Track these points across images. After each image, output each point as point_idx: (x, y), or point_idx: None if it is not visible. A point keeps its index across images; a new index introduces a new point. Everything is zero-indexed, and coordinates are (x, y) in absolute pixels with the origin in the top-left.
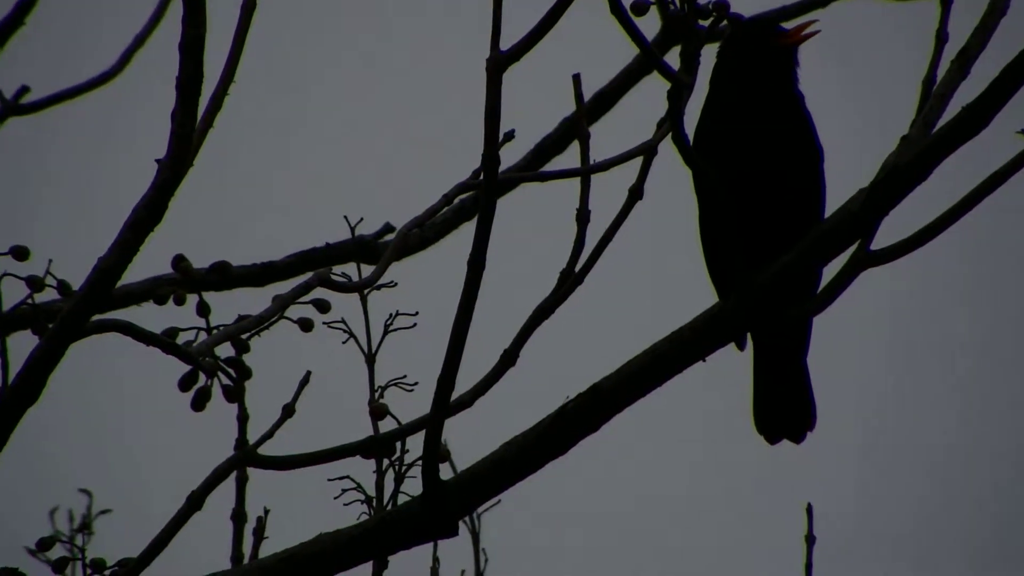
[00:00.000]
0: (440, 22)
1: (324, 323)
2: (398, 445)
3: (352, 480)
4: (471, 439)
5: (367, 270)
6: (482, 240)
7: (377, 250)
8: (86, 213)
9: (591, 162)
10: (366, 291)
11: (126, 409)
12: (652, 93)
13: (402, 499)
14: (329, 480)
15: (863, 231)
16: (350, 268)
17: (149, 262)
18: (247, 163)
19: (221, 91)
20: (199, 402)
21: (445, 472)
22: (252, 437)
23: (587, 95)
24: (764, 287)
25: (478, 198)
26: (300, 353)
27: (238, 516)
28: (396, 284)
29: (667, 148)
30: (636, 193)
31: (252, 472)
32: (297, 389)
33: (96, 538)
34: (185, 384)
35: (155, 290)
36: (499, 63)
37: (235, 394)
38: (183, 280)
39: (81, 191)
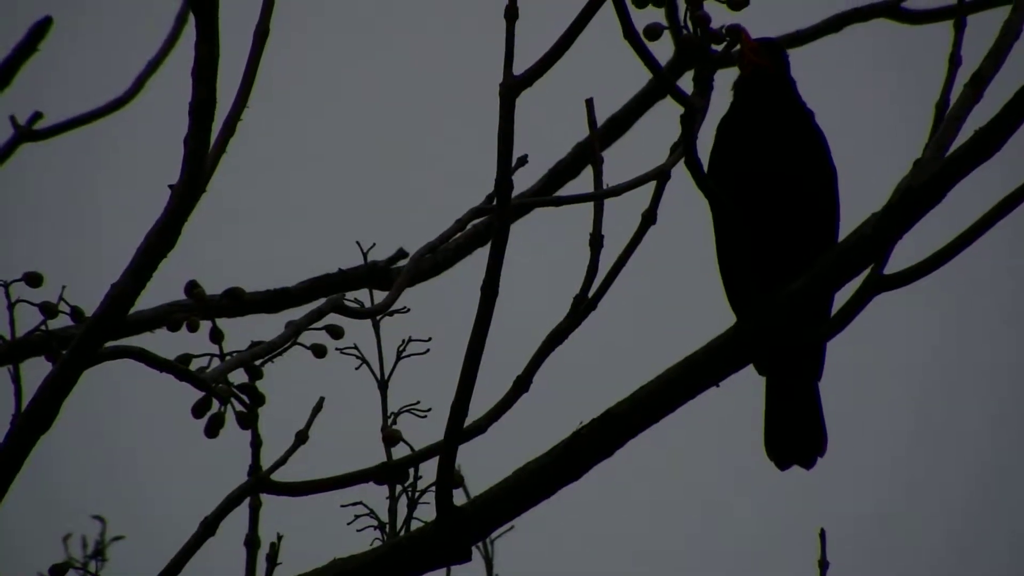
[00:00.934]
0: (453, 47)
1: (337, 349)
2: (411, 471)
3: (365, 506)
4: (484, 465)
5: (380, 296)
6: (495, 265)
7: (390, 276)
8: (99, 239)
9: (604, 187)
10: (379, 317)
11: (139, 435)
12: (665, 117)
13: (415, 525)
14: (342, 506)
15: (876, 255)
16: (363, 294)
17: (162, 288)
18: (260, 188)
19: (234, 116)
20: (213, 428)
21: (458, 498)
22: (265, 463)
23: (600, 119)
24: (777, 311)
25: (491, 223)
26: (313, 379)
27: (251, 542)
28: (409, 310)
29: (680, 172)
30: (649, 218)
31: (265, 498)
32: (310, 415)
33: (110, 564)
34: (199, 410)
35: (168, 316)
36: (512, 88)
37: (248, 420)
38: (196, 306)
39: (94, 217)
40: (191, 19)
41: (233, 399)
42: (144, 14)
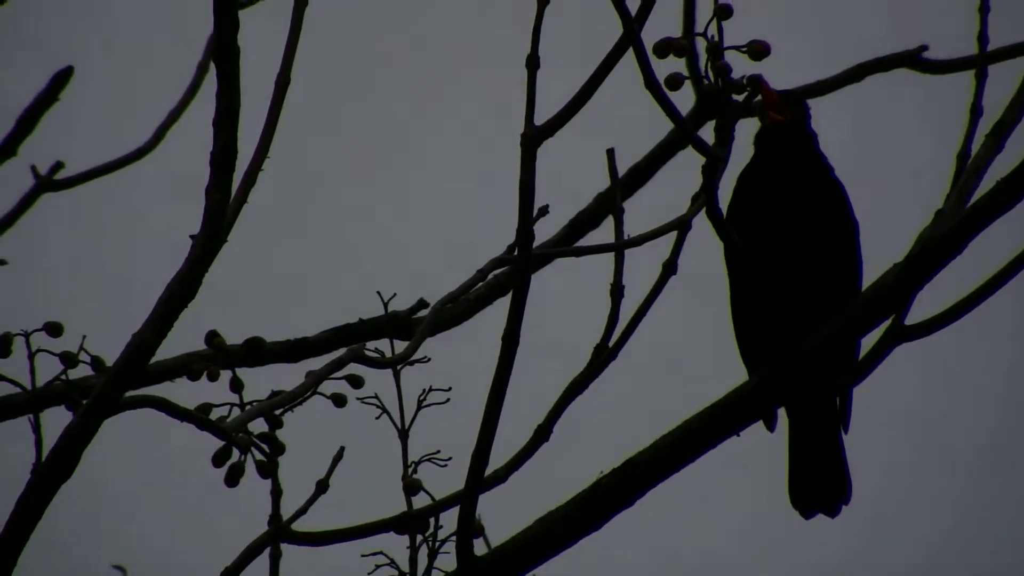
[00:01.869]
0: (474, 97)
1: (357, 398)
2: (432, 520)
3: (386, 556)
4: (505, 514)
5: (400, 346)
6: (516, 315)
7: (411, 326)
8: (120, 288)
9: (625, 237)
10: (399, 366)
11: (160, 484)
12: (686, 167)
13: (436, 575)
14: (363, 556)
15: (897, 305)
16: (383, 344)
17: (183, 337)
18: (281, 238)
19: (255, 166)
20: (233, 478)
21: (479, 547)
22: (286, 512)
23: (622, 169)
24: (799, 361)
25: (512, 273)
26: (334, 428)
27: None
28: (429, 359)
29: (701, 222)
30: (670, 268)
31: (286, 548)
32: (331, 464)
33: None
34: (219, 460)
35: (189, 366)
36: (533, 138)
37: (269, 470)
38: (217, 356)
39: (115, 266)
40: (212, 69)
41: (253, 448)
42: (165, 64)
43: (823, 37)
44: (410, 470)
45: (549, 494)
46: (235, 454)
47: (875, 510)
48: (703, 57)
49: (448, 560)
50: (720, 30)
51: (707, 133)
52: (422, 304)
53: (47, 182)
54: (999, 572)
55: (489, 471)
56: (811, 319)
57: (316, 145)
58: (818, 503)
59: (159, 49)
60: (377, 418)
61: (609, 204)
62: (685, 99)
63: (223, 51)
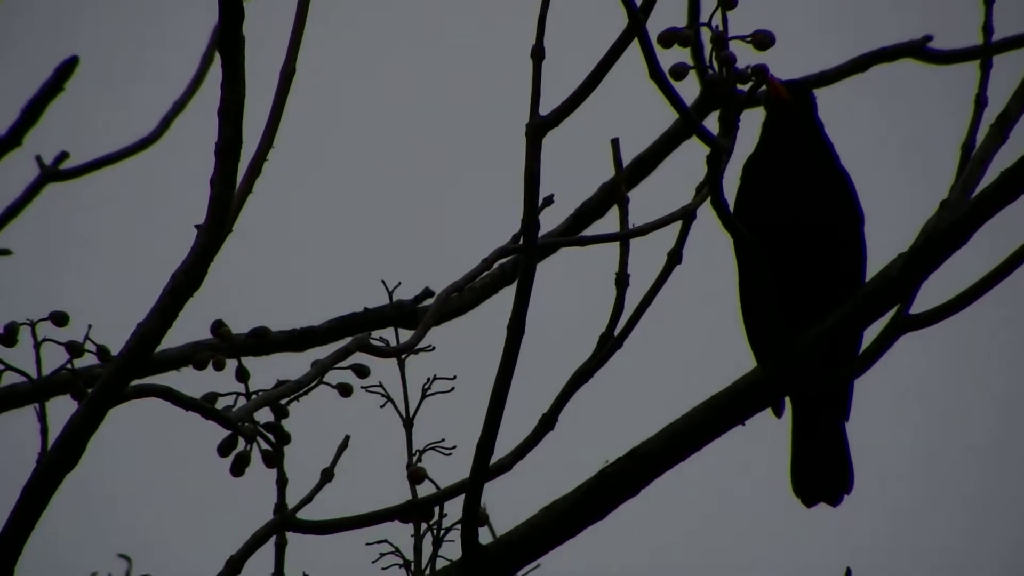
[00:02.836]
0: (479, 87)
1: (363, 388)
2: (436, 509)
3: (390, 544)
4: (510, 503)
5: (406, 335)
6: (522, 304)
7: (416, 315)
8: (125, 278)
9: (630, 226)
10: (404, 356)
11: (165, 474)
12: (691, 157)
13: (440, 563)
14: (367, 544)
15: (902, 295)
16: (389, 333)
17: (188, 327)
18: (286, 228)
19: (260, 156)
20: (238, 467)
21: (484, 536)
22: (291, 501)
23: (626, 159)
24: (803, 351)
25: (517, 263)
26: (339, 418)
27: None
28: (434, 348)
29: (706, 212)
30: (675, 257)
31: (291, 536)
32: (336, 453)
33: None
34: (224, 449)
35: (194, 355)
36: (538, 128)
37: (274, 459)
38: (222, 345)
39: (120, 256)
40: (217, 59)
41: (259, 438)
42: (170, 55)
43: (827, 28)
44: (415, 459)
45: (554, 483)
46: (241, 443)
47: (877, 499)
48: (708, 47)
49: (453, 549)
50: (724, 20)
51: (712, 123)
52: (427, 293)
53: (52, 172)
54: (1004, 563)
55: (494, 460)
56: (816, 309)
57: (321, 135)
58: (820, 492)
59: (164, 40)
60: (382, 407)
61: (614, 194)
62: (690, 89)
63: (228, 42)
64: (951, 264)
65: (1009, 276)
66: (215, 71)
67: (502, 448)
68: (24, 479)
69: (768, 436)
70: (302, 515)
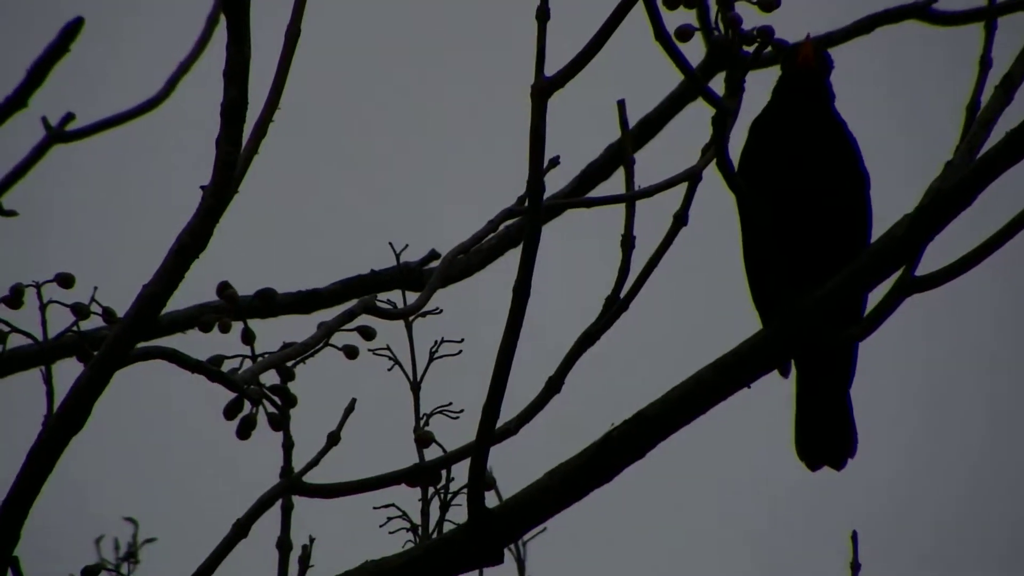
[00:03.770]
0: (485, 48)
1: (369, 350)
2: (443, 473)
3: (397, 508)
4: (516, 467)
5: (412, 297)
6: (527, 267)
7: (422, 277)
8: (131, 240)
9: (636, 188)
10: (411, 318)
11: (171, 437)
12: (697, 119)
13: (447, 527)
14: (374, 508)
15: (908, 257)
16: (395, 295)
17: (194, 289)
18: (291, 190)
19: (265, 118)
20: (244, 430)
21: (490, 500)
22: (297, 465)
23: (632, 121)
24: (808, 313)
25: (523, 225)
26: (345, 380)
27: (283, 544)
28: (441, 311)
29: (712, 174)
30: (681, 219)
31: (297, 500)
32: (342, 417)
33: (142, 567)
34: (230, 412)
35: (200, 317)
36: (544, 89)
37: (280, 422)
38: (228, 307)
39: (126, 218)
40: (222, 20)
41: (265, 401)
42: (175, 15)
43: None
44: (422, 422)
45: (560, 447)
46: (247, 406)
47: (880, 463)
48: (713, 9)
49: (459, 513)
50: None
51: (717, 85)
52: (433, 255)
53: (58, 134)
54: (1007, 529)
55: (500, 423)
56: (821, 271)
57: (326, 96)
58: (824, 456)
59: (169, 1)
60: (389, 370)
61: (619, 156)
62: (695, 51)
63: (233, 3)
64: (956, 227)
65: (1014, 238)
66: (220, 32)
67: (508, 411)
68: (30, 442)
69: (773, 400)
70: (308, 478)
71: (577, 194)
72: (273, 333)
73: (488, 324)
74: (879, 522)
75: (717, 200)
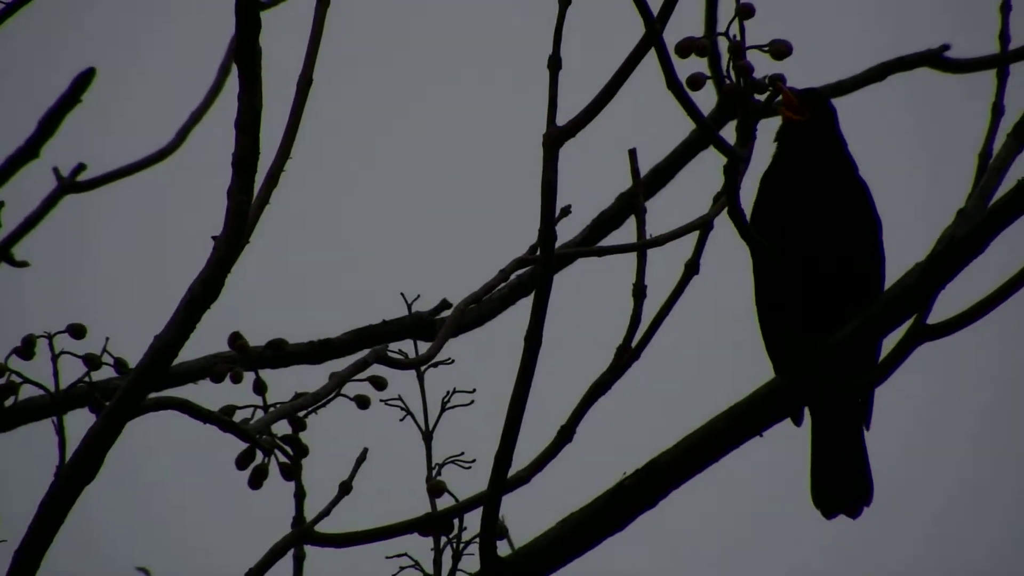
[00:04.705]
0: (497, 96)
1: (381, 400)
2: (456, 522)
3: (410, 557)
4: (529, 515)
5: (424, 347)
6: (539, 316)
7: (434, 327)
8: (143, 290)
9: (647, 237)
10: (423, 368)
11: (183, 486)
12: (708, 167)
13: None
14: (387, 557)
15: (920, 304)
16: (407, 345)
17: (206, 339)
18: (304, 239)
19: (277, 167)
20: (256, 480)
21: (503, 549)
22: (309, 514)
23: (644, 169)
24: (822, 360)
25: (535, 273)
26: (357, 430)
27: None
28: (453, 361)
29: (723, 222)
30: (692, 267)
31: (310, 550)
32: (354, 466)
33: None
34: (242, 462)
35: (212, 367)
36: (555, 138)
37: (292, 472)
38: (240, 357)
39: (137, 268)
40: (234, 70)
41: (277, 450)
42: (187, 65)
43: (845, 36)
44: (434, 472)
45: (572, 495)
46: (259, 456)
47: (895, 511)
48: (725, 57)
49: (472, 562)
50: (742, 29)
51: (729, 133)
52: (445, 305)
53: (70, 184)
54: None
55: (512, 472)
56: (834, 318)
57: (338, 146)
58: (840, 503)
59: (181, 50)
60: (401, 420)
61: (631, 204)
62: (707, 99)
63: (245, 53)
64: (968, 274)
65: None
66: (232, 82)
67: (520, 460)
68: (42, 492)
69: (786, 447)
70: (320, 528)
71: (589, 243)
72: (285, 383)
73: (500, 373)
74: (895, 570)
75: (729, 248)
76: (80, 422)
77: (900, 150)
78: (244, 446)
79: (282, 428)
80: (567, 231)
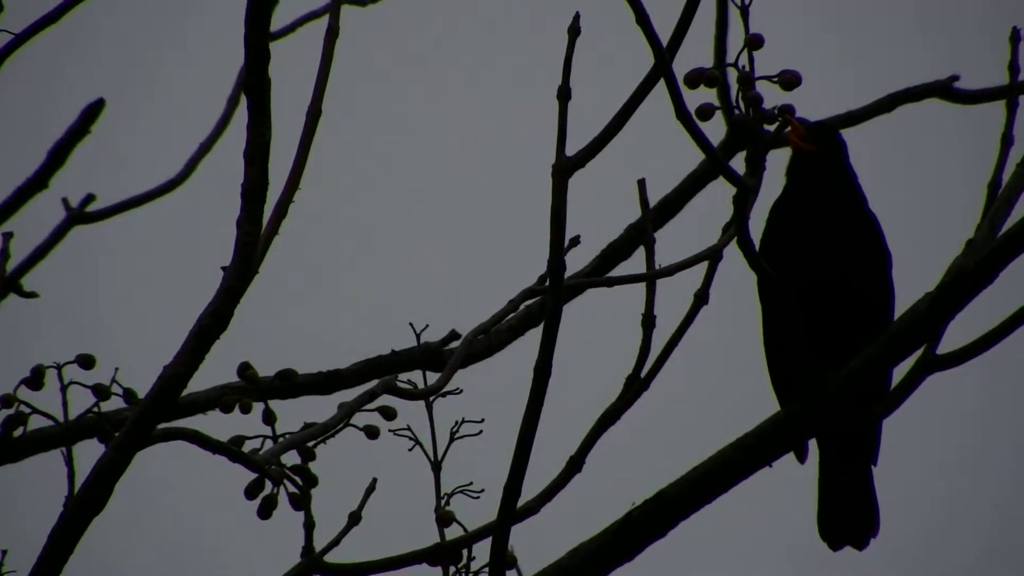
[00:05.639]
0: (506, 126)
1: (390, 430)
2: (464, 552)
3: None
4: (537, 546)
5: (433, 377)
6: (548, 346)
7: (443, 357)
8: (152, 321)
9: (657, 267)
10: (432, 398)
11: (193, 517)
12: (717, 197)
13: None
14: None
15: (929, 335)
16: (416, 375)
17: (215, 370)
18: (312, 270)
19: (286, 198)
20: (265, 510)
21: None
22: (319, 544)
23: (653, 200)
24: (832, 390)
25: (544, 304)
26: (366, 460)
27: None
28: (462, 391)
29: (733, 253)
30: (702, 298)
31: None
32: (363, 496)
33: None
34: (251, 492)
35: (221, 398)
36: (565, 168)
37: (301, 502)
38: (249, 388)
39: (146, 299)
40: (243, 101)
41: (286, 480)
42: (196, 97)
43: (854, 67)
44: (443, 502)
45: (581, 526)
46: (268, 486)
47: (902, 542)
48: (734, 87)
49: None
50: (751, 60)
51: (738, 163)
52: (454, 335)
53: (79, 215)
54: None
55: (521, 502)
56: (843, 350)
57: (347, 177)
58: (847, 535)
59: (190, 81)
60: (410, 450)
61: (640, 234)
62: (716, 129)
63: (254, 84)
64: (977, 304)
65: None
66: (241, 112)
67: (530, 490)
68: (51, 523)
69: (794, 478)
70: (330, 558)
71: (598, 273)
72: (294, 413)
73: (509, 404)
74: None
75: (738, 279)
76: (89, 453)
77: (909, 181)
78: (253, 476)
79: (291, 458)
80: (576, 261)
